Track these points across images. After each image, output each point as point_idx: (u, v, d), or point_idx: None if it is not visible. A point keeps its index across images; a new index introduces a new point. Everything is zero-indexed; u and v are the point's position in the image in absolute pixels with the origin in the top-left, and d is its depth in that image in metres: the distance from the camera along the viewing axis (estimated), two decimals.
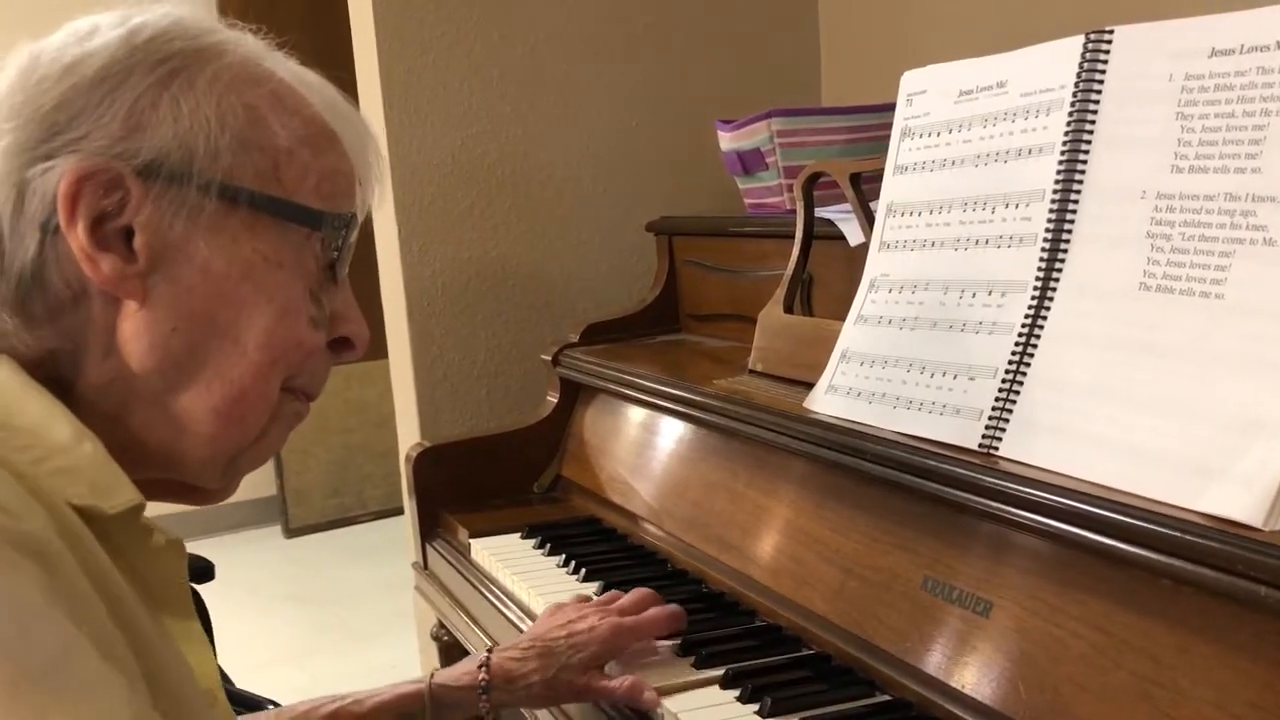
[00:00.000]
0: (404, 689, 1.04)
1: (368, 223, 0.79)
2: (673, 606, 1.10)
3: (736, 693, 0.99)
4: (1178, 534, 0.75)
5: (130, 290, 0.66)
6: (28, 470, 0.60)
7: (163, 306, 0.67)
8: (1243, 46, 0.81)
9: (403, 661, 3.05)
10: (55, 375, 0.66)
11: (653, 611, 1.09)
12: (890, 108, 1.18)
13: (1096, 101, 0.93)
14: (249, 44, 0.72)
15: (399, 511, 4.33)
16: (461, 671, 1.04)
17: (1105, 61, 0.93)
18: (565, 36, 1.93)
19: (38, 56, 0.67)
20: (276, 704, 1.46)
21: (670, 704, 0.99)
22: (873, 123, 1.55)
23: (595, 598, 1.17)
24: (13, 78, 0.66)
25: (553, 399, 1.69)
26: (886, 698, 0.96)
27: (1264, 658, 0.70)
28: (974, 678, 0.89)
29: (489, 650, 1.05)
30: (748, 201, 1.69)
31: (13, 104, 0.65)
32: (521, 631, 1.24)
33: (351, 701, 1.02)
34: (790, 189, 1.53)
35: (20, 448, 0.61)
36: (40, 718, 0.48)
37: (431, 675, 1.05)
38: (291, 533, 4.47)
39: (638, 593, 1.12)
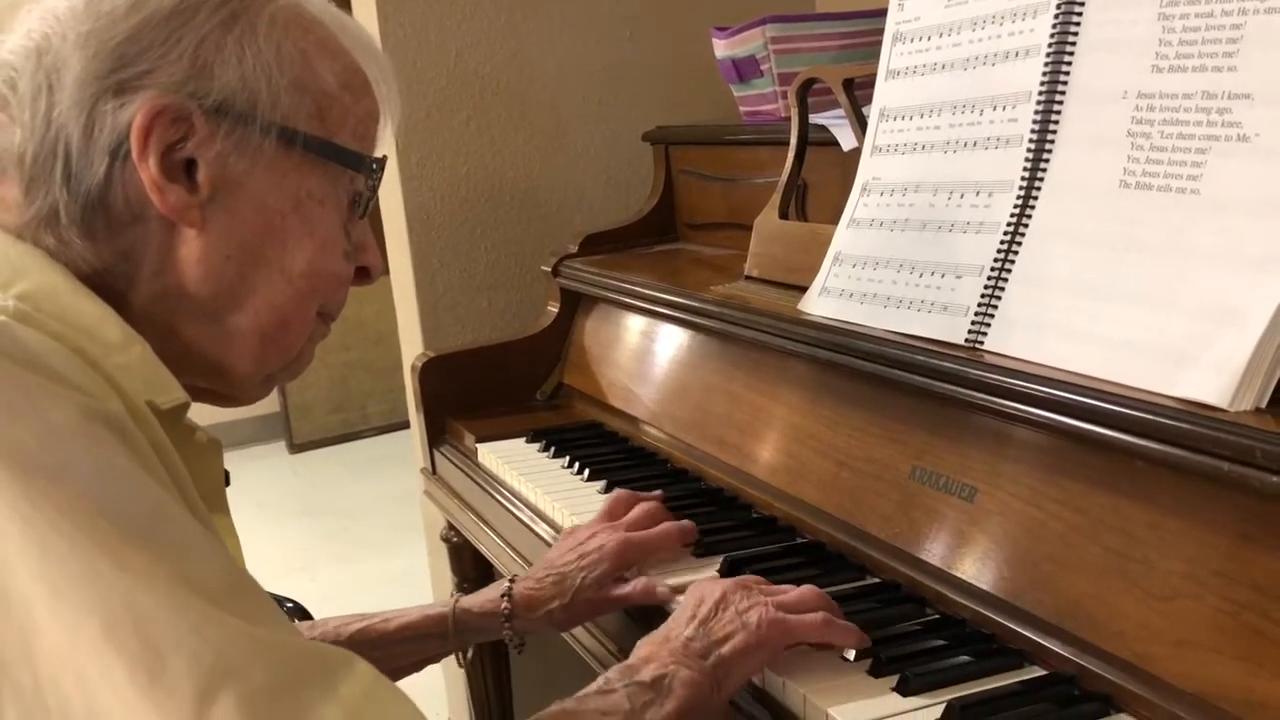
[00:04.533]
0: (429, 611, 1.09)
1: None
2: (684, 522, 1.11)
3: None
4: (1150, 417, 0.79)
5: (191, 219, 0.71)
6: (99, 361, 0.65)
7: (219, 235, 0.72)
8: None
9: (412, 570, 3.12)
10: (108, 287, 0.71)
11: (664, 526, 1.09)
12: (882, 13, 1.20)
13: (1081, 3, 0.95)
14: None
15: (401, 426, 4.42)
16: (485, 599, 1.08)
17: None
18: None
19: None
20: (295, 602, 1.52)
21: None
22: (865, 29, 1.57)
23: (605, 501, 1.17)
24: (77, 4, 0.70)
25: (553, 309, 1.72)
26: (876, 580, 1.02)
27: (1227, 530, 0.75)
28: (959, 558, 0.94)
29: (510, 581, 1.08)
30: (743, 109, 1.71)
31: (80, 32, 0.68)
32: (528, 528, 1.30)
33: (379, 620, 1.07)
34: (785, 96, 1.55)
35: (86, 343, 0.66)
36: (146, 573, 0.53)
37: (456, 600, 1.10)
38: (295, 448, 4.55)
39: (644, 506, 1.12)
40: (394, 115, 0.81)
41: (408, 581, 3.10)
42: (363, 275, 0.82)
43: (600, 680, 0.80)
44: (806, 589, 0.90)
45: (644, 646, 0.84)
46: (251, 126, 0.71)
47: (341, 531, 3.66)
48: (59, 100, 0.68)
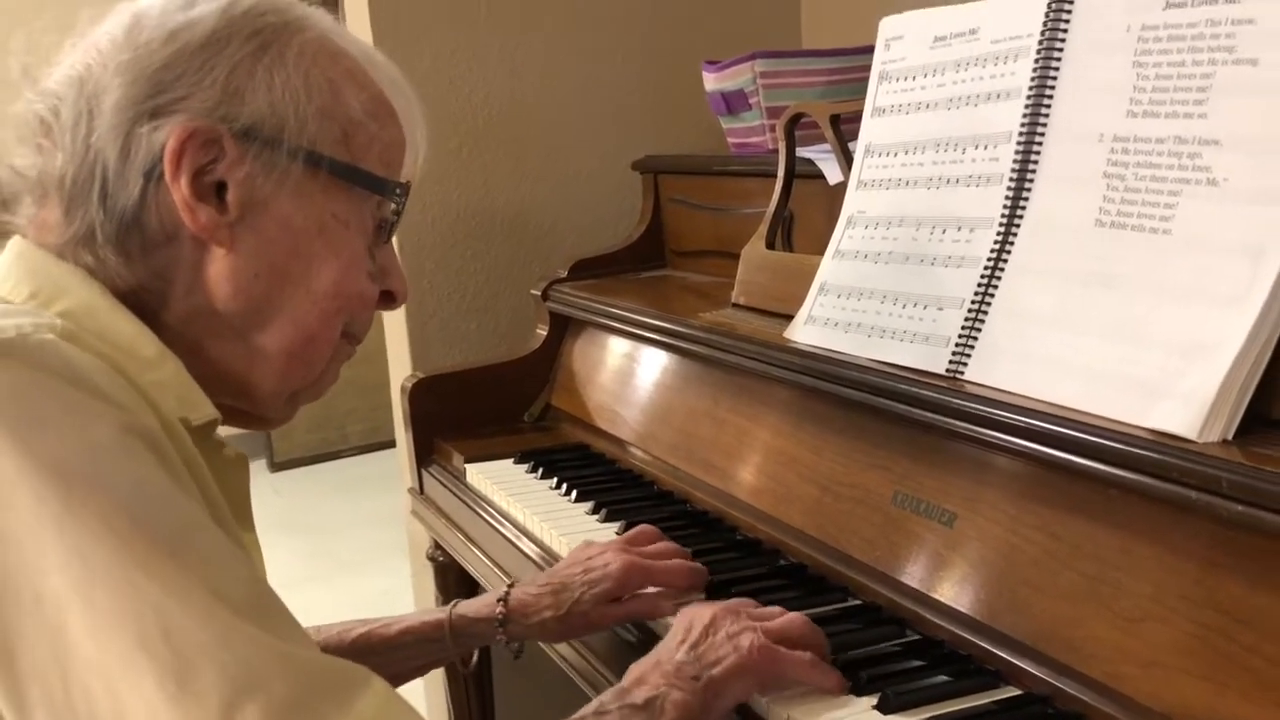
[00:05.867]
0: (428, 616, 1.10)
1: None
2: (697, 564, 1.09)
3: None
4: (1122, 447, 0.82)
5: (220, 238, 0.74)
6: (135, 378, 0.67)
7: (247, 255, 0.75)
8: (1193, 0, 0.87)
9: (391, 588, 3.14)
10: (143, 305, 0.74)
11: (675, 561, 1.08)
12: (868, 50, 1.24)
13: (1060, 49, 0.99)
14: (324, 19, 0.79)
15: (382, 446, 4.41)
16: (482, 604, 1.10)
17: (1069, 11, 0.99)
18: None
19: (140, 19, 0.73)
20: None
21: None
22: (852, 65, 1.61)
23: (617, 535, 1.19)
24: (118, 36, 0.73)
25: (542, 332, 1.75)
26: (858, 602, 1.05)
27: (1194, 556, 0.79)
28: (938, 582, 0.97)
29: (509, 585, 1.10)
30: (731, 141, 1.75)
31: (120, 61, 0.72)
32: (516, 547, 1.32)
33: (380, 625, 1.09)
34: (773, 129, 1.58)
35: (124, 360, 0.68)
36: (177, 584, 0.56)
37: (453, 605, 1.11)
38: (276, 466, 4.55)
39: (666, 544, 1.11)
40: (420, 145, 0.84)
41: (387, 600, 3.10)
42: (387, 299, 0.84)
43: (595, 703, 0.81)
44: (792, 616, 0.92)
45: (635, 669, 0.86)
46: (279, 150, 0.74)
47: (321, 550, 3.66)
48: (98, 125, 0.71)
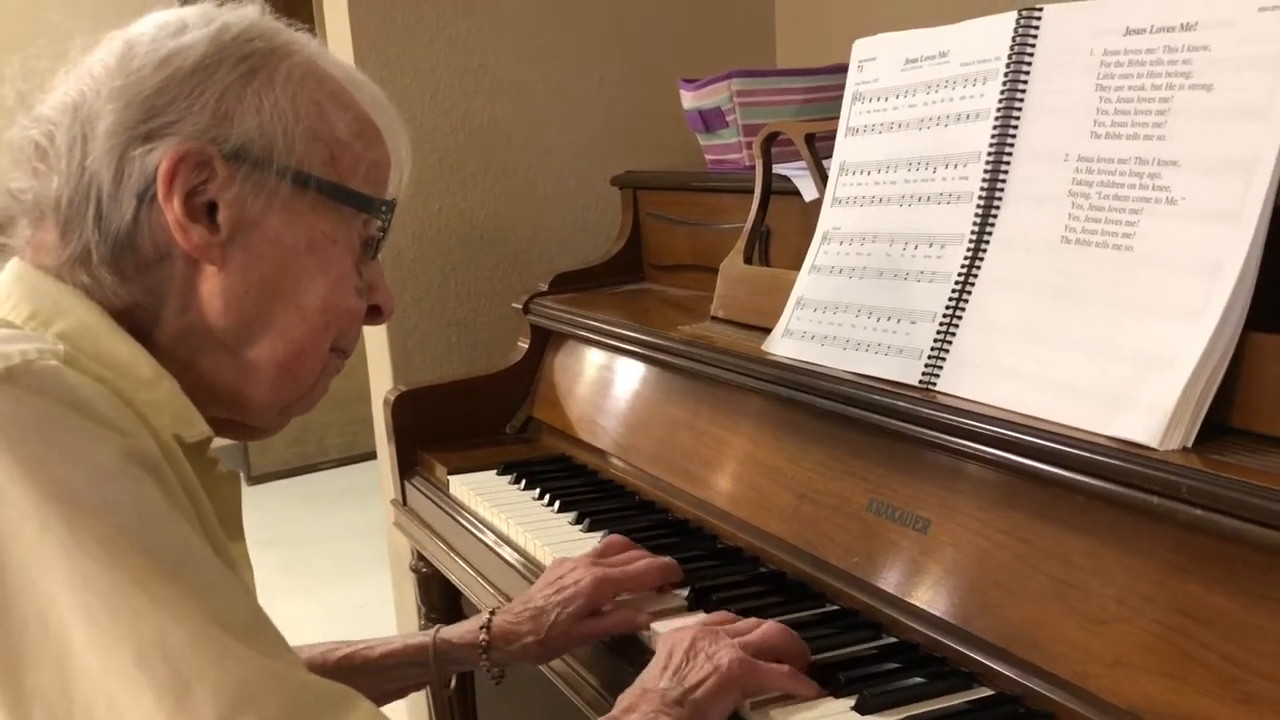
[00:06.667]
0: (412, 640, 1.12)
1: None
2: (666, 560, 1.12)
3: (702, 609, 1.09)
4: (1088, 455, 0.86)
5: (212, 257, 0.76)
6: (131, 397, 0.70)
7: (238, 272, 0.77)
8: (1152, 27, 0.91)
9: (369, 601, 3.14)
10: (136, 324, 0.76)
11: (643, 563, 1.10)
12: (842, 69, 1.28)
13: (1027, 72, 1.03)
14: (310, 44, 0.82)
15: (360, 458, 4.39)
16: (465, 630, 1.11)
17: (1035, 36, 1.03)
18: None
19: (132, 46, 0.76)
20: None
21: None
22: (826, 84, 1.65)
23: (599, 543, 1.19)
24: (110, 63, 0.75)
25: (523, 345, 1.77)
26: (835, 607, 1.07)
27: (1156, 559, 0.82)
28: (913, 586, 1.00)
29: (491, 612, 1.11)
30: (709, 158, 1.78)
31: (113, 87, 0.74)
32: (499, 556, 1.35)
33: (364, 647, 1.10)
34: (749, 146, 1.62)
35: (121, 380, 0.70)
36: (176, 607, 0.58)
37: (437, 630, 1.13)
38: (254, 480, 4.54)
39: (631, 555, 1.14)
40: (405, 163, 0.87)
41: (365, 613, 3.11)
42: (375, 313, 0.87)
43: None
44: (770, 626, 0.94)
45: (624, 699, 0.87)
46: (268, 171, 0.76)
47: (299, 563, 3.66)
48: (92, 149, 0.74)
